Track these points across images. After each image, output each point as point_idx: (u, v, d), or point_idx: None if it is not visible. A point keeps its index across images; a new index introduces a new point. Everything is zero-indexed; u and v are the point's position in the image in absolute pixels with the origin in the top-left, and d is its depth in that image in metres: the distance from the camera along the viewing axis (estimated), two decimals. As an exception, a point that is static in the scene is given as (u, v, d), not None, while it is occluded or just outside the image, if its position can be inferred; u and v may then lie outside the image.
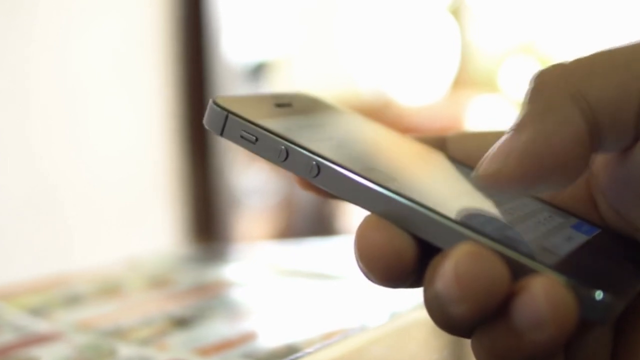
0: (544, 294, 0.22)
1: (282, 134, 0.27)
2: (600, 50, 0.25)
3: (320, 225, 2.00)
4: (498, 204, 0.27)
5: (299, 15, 2.40)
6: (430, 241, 0.24)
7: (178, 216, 1.51)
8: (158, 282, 0.50)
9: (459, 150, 0.31)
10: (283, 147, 0.27)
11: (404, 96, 2.53)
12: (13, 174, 1.23)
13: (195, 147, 1.51)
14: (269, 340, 0.38)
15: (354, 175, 0.26)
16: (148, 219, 1.46)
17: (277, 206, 2.10)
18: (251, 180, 1.95)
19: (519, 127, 0.24)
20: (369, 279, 0.25)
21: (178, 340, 0.38)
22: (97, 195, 1.36)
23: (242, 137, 0.27)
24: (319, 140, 0.28)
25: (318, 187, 0.27)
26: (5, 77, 1.22)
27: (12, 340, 0.39)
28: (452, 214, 0.25)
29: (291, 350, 0.36)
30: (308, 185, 0.28)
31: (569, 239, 0.26)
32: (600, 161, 0.27)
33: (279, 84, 2.25)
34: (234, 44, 1.66)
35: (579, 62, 0.25)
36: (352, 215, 1.85)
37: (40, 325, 0.42)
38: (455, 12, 2.73)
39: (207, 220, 1.54)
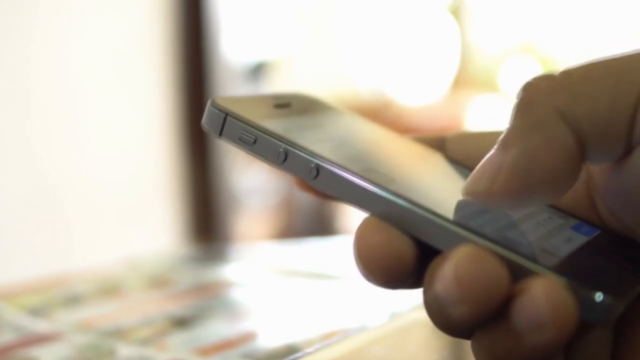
0: (544, 296, 0.22)
1: (281, 135, 0.27)
2: (590, 62, 0.25)
3: (320, 225, 2.00)
4: (497, 205, 0.27)
5: (299, 15, 2.39)
6: (430, 243, 0.24)
7: (178, 216, 1.51)
8: (158, 282, 0.50)
9: (458, 151, 0.31)
10: (282, 148, 0.27)
11: (404, 96, 2.52)
12: (13, 174, 1.23)
13: (195, 147, 1.51)
14: (268, 340, 0.38)
15: (353, 177, 0.25)
16: (148, 219, 1.46)
17: (277, 206, 2.10)
18: (251, 180, 1.95)
19: (505, 144, 0.24)
20: (368, 280, 0.25)
21: (178, 340, 0.38)
22: (97, 195, 1.36)
23: (240, 138, 0.27)
24: (317, 142, 0.27)
25: (317, 189, 0.27)
26: (5, 77, 1.22)
27: (12, 340, 0.39)
28: (452, 216, 0.25)
29: (291, 350, 0.36)
30: (307, 186, 0.28)
31: (569, 240, 0.26)
32: (597, 166, 0.27)
33: (278, 84, 2.25)
34: (234, 44, 1.66)
35: (568, 74, 0.25)
36: (352, 216, 1.85)
37: (40, 325, 0.41)
38: (455, 12, 2.73)
39: (207, 220, 1.54)
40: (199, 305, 0.44)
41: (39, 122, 1.27)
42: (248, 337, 0.38)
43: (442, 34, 2.69)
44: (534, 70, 2.39)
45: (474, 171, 0.25)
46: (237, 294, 0.48)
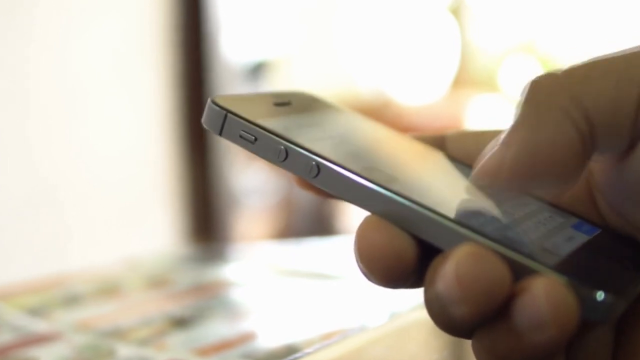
0: (544, 295, 0.22)
1: (282, 133, 0.27)
2: (595, 58, 0.25)
3: (320, 225, 2.00)
4: (498, 204, 0.27)
5: (299, 14, 2.39)
6: (431, 242, 0.24)
7: (177, 216, 1.51)
8: (157, 282, 0.50)
9: (458, 149, 0.31)
10: (282, 147, 0.26)
11: (404, 95, 2.53)
12: (13, 174, 1.23)
13: (195, 147, 1.51)
14: (268, 340, 0.38)
15: (353, 175, 0.25)
16: (147, 219, 1.46)
17: (277, 206, 2.10)
18: (250, 180, 1.95)
19: (509, 139, 0.24)
20: (369, 279, 0.25)
21: (177, 340, 0.38)
22: (96, 195, 1.36)
23: (241, 136, 0.27)
24: (318, 140, 0.27)
25: (317, 187, 0.27)
26: (5, 77, 1.22)
27: (11, 341, 0.39)
28: (452, 214, 0.24)
29: (291, 350, 0.36)
30: (307, 185, 0.28)
31: (570, 239, 0.26)
32: (598, 164, 0.27)
33: (278, 83, 2.25)
34: (234, 44, 1.66)
35: (572, 70, 0.25)
36: (352, 215, 1.85)
37: (39, 326, 0.41)
38: (455, 11, 2.73)
39: (207, 220, 1.54)
40: (198, 305, 0.44)
41: (38, 122, 1.27)
42: (247, 337, 0.38)
43: (442, 33, 2.69)
44: (533, 70, 2.40)
45: (477, 161, 0.25)
46: (236, 294, 0.48)
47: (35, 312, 0.44)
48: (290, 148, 0.26)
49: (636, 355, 0.25)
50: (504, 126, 0.25)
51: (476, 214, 0.26)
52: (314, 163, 0.26)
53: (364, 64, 2.56)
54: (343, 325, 0.39)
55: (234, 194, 1.61)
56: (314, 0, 2.49)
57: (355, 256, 0.25)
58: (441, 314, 0.23)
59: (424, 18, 2.67)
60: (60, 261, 1.25)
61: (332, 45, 2.52)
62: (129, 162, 1.42)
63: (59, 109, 1.30)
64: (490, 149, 0.25)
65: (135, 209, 1.43)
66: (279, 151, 0.27)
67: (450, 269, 0.23)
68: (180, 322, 0.41)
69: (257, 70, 2.24)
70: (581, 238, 0.26)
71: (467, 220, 0.24)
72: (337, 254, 0.56)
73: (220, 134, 0.27)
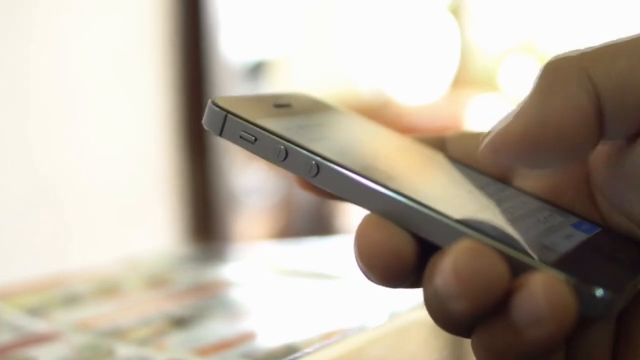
0: (543, 291, 0.22)
1: (282, 134, 0.27)
2: (611, 40, 0.26)
3: (319, 225, 2.00)
4: (498, 202, 0.27)
5: (299, 15, 2.40)
6: (430, 240, 0.24)
7: (177, 216, 1.51)
8: (157, 282, 0.50)
9: (459, 150, 0.31)
10: (282, 147, 0.27)
11: (404, 96, 2.53)
12: (13, 174, 1.23)
13: (195, 147, 1.51)
14: (268, 340, 0.38)
15: (353, 174, 0.25)
16: (147, 219, 1.46)
17: (277, 206, 2.10)
18: (250, 180, 1.95)
19: (519, 111, 0.25)
20: (369, 278, 0.25)
21: (177, 340, 0.38)
22: (96, 195, 1.36)
23: (241, 137, 0.27)
24: (318, 140, 0.27)
25: (317, 188, 0.27)
26: (5, 77, 1.22)
27: (11, 341, 0.39)
28: (452, 213, 0.25)
29: (290, 350, 0.36)
30: (307, 185, 0.28)
31: (569, 238, 0.26)
32: (601, 158, 0.27)
33: (278, 83, 2.25)
34: (233, 44, 1.66)
35: (587, 50, 0.26)
36: (352, 215, 1.85)
37: (39, 326, 0.41)
38: (455, 11, 2.73)
39: (207, 220, 1.54)
40: (198, 305, 0.44)
41: (38, 122, 1.27)
42: (247, 337, 0.38)
43: (442, 33, 2.69)
44: (533, 70, 2.39)
45: (494, 125, 0.26)
46: (236, 294, 0.48)
47: (35, 312, 0.44)
48: (290, 148, 0.26)
49: (636, 352, 0.25)
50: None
51: (476, 212, 0.26)
52: (313, 163, 0.26)
53: (363, 64, 2.56)
54: (343, 325, 0.39)
55: (233, 194, 1.61)
56: (314, 0, 2.49)
57: (355, 255, 0.25)
58: (440, 310, 0.23)
59: (424, 18, 2.68)
60: (60, 261, 1.25)
61: (332, 45, 2.52)
62: (129, 162, 1.42)
63: (59, 109, 1.30)
64: (500, 122, 0.25)
65: (135, 209, 1.43)
66: (279, 151, 0.27)
67: (448, 264, 0.23)
68: (180, 322, 0.41)
69: (257, 70, 2.24)
70: (580, 236, 0.26)
71: (467, 218, 0.25)
72: (337, 254, 0.56)
73: (221, 134, 0.28)
